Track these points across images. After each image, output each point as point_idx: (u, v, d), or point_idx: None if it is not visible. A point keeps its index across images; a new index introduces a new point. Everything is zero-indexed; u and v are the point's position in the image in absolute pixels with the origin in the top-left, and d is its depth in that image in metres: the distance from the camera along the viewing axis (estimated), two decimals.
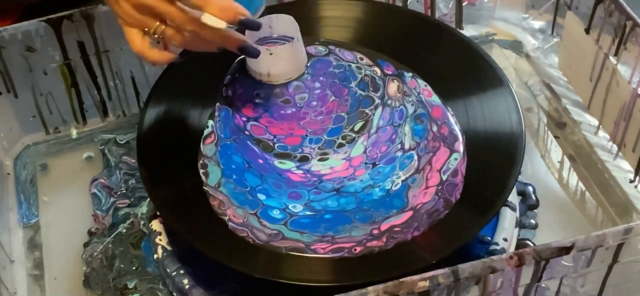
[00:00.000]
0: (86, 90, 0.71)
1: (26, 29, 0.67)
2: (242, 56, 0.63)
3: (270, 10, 0.65)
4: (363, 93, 0.63)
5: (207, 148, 0.60)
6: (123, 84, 0.72)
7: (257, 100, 0.63)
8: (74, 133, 0.73)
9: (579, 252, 0.49)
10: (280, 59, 0.62)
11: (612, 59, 0.65)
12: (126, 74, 0.71)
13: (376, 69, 0.64)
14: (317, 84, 0.64)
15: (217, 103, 0.62)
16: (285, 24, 0.63)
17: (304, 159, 0.60)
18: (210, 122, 0.61)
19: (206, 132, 0.61)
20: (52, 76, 0.69)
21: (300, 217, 0.56)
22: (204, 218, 0.56)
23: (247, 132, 0.61)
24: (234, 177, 0.58)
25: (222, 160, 0.59)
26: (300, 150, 0.61)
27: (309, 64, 0.64)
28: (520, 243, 0.60)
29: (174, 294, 0.58)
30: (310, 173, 0.59)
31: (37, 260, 0.64)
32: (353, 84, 0.64)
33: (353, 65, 0.64)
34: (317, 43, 0.66)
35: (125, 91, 0.72)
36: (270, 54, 0.61)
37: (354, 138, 0.61)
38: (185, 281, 0.56)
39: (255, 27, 0.57)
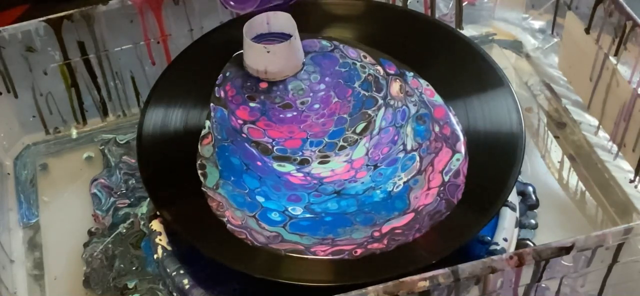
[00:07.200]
0: (86, 90, 0.71)
1: (26, 29, 0.67)
2: (240, 52, 0.63)
3: (269, 9, 0.65)
4: (366, 94, 0.63)
5: (205, 149, 0.60)
6: (123, 84, 0.72)
7: (251, 104, 0.62)
8: (74, 133, 0.72)
9: (579, 252, 0.49)
10: (277, 56, 0.62)
11: (612, 59, 0.65)
12: (126, 74, 0.71)
13: (379, 68, 0.64)
14: (322, 85, 0.63)
15: (212, 104, 0.62)
16: (282, 21, 0.63)
17: (304, 162, 0.60)
18: (207, 123, 0.61)
19: (203, 132, 0.61)
20: (52, 76, 0.69)
21: (300, 219, 0.56)
22: (204, 219, 0.56)
23: (244, 134, 0.61)
24: (232, 178, 0.58)
25: (220, 161, 0.59)
26: (300, 153, 0.61)
27: (314, 60, 0.64)
28: (520, 243, 0.60)
29: (174, 294, 0.58)
30: (311, 176, 0.59)
31: (37, 260, 0.63)
32: (357, 84, 0.64)
33: (357, 64, 0.64)
34: (320, 37, 0.66)
35: (125, 91, 0.72)
36: (268, 51, 0.61)
37: (356, 140, 0.61)
38: (185, 281, 0.56)
39: None
